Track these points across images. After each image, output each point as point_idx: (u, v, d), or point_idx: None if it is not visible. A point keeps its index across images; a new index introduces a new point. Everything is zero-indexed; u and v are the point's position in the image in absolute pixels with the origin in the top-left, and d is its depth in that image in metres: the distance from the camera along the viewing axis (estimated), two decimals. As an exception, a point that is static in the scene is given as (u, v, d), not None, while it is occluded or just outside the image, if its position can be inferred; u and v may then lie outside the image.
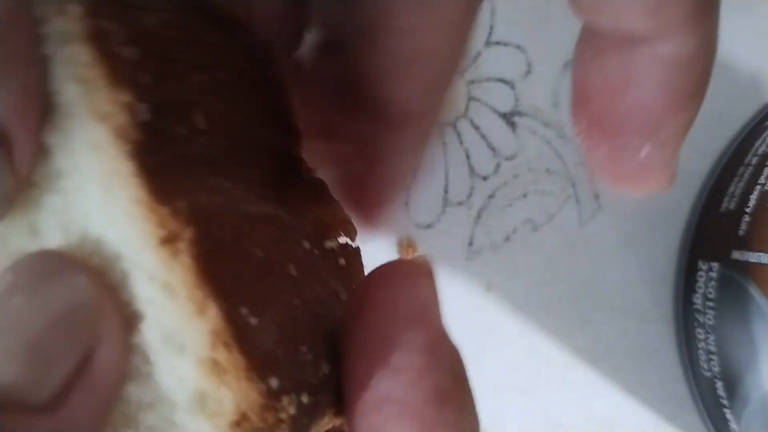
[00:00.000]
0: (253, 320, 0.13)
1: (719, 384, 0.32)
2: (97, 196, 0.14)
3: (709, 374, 0.33)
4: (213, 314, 0.13)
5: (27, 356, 0.13)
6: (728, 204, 0.33)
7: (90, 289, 0.14)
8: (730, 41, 0.35)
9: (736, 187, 0.33)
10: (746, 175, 0.32)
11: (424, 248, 0.35)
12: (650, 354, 0.35)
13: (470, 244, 0.35)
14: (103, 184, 0.14)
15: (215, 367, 0.13)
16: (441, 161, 0.35)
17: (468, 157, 0.35)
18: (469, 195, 0.35)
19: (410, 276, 0.15)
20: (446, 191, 0.35)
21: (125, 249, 0.14)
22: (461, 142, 0.35)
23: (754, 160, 0.32)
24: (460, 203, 0.35)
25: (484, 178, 0.35)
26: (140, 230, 0.13)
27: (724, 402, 0.32)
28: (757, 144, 0.33)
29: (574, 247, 0.35)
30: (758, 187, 0.31)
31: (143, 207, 0.13)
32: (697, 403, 0.35)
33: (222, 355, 0.13)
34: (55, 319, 0.14)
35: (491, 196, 0.35)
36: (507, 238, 0.35)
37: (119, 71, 0.13)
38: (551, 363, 0.35)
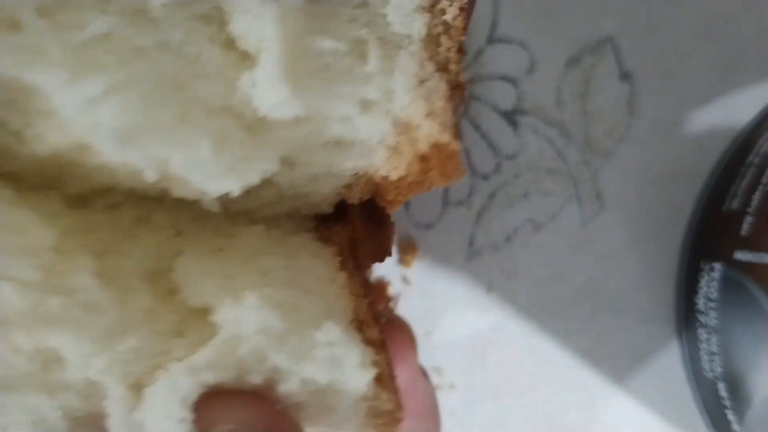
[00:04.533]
0: None
1: (721, 385, 0.32)
2: None
3: (711, 375, 0.32)
4: None
5: None
6: (730, 204, 0.32)
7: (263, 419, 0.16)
8: (734, 40, 0.34)
9: (738, 187, 0.32)
10: (748, 175, 0.32)
11: (424, 248, 0.35)
12: (652, 355, 0.35)
13: (471, 244, 0.35)
14: None
15: None
16: (441, 160, 0.35)
17: (468, 156, 0.35)
18: (470, 195, 0.35)
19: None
20: (446, 191, 0.35)
21: None
22: (461, 141, 0.35)
23: (756, 160, 0.32)
24: (460, 203, 0.35)
25: (485, 178, 0.35)
26: None
27: (726, 403, 0.32)
28: (759, 143, 0.33)
29: (575, 247, 0.35)
30: (761, 187, 0.31)
31: None
32: (699, 405, 0.35)
33: None
34: None
35: (492, 196, 0.35)
36: (508, 238, 0.35)
37: None
38: (552, 364, 0.35)
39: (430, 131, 0.18)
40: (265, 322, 0.17)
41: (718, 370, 0.32)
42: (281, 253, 0.21)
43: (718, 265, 0.32)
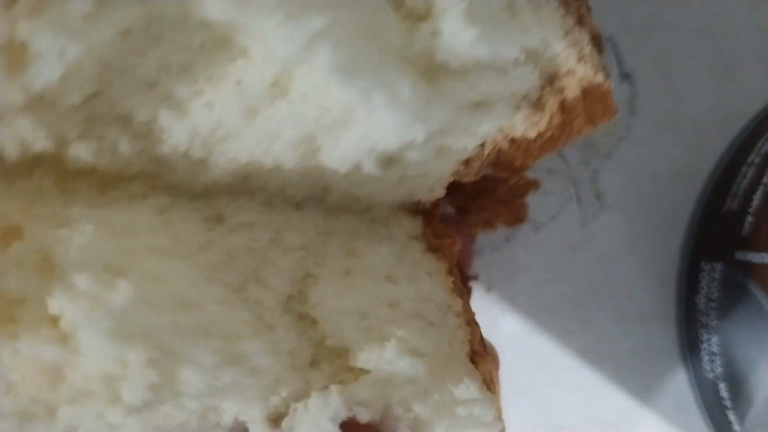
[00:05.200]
0: None
1: (722, 385, 0.32)
2: None
3: (711, 375, 0.32)
4: None
5: None
6: (731, 204, 0.32)
7: None
8: (734, 39, 0.34)
9: (738, 187, 0.32)
10: (749, 175, 0.32)
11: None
12: (652, 355, 0.35)
13: (470, 244, 0.35)
14: None
15: None
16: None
17: (468, 156, 0.35)
18: (470, 194, 0.35)
19: None
20: (446, 191, 0.35)
21: None
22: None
23: (757, 160, 0.32)
24: (460, 203, 0.35)
25: (485, 178, 0.35)
26: None
27: (727, 404, 0.32)
28: (760, 143, 0.33)
29: (575, 247, 0.35)
30: (761, 187, 0.31)
31: None
32: (700, 405, 0.35)
33: None
34: None
35: (492, 196, 0.35)
36: (507, 238, 0.35)
37: None
38: (552, 364, 0.35)
39: (584, 73, 0.19)
40: (409, 372, 0.18)
41: (719, 370, 0.32)
42: (405, 278, 0.21)
43: (718, 265, 0.32)
